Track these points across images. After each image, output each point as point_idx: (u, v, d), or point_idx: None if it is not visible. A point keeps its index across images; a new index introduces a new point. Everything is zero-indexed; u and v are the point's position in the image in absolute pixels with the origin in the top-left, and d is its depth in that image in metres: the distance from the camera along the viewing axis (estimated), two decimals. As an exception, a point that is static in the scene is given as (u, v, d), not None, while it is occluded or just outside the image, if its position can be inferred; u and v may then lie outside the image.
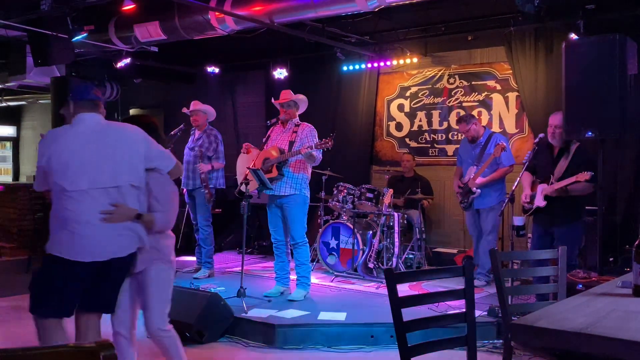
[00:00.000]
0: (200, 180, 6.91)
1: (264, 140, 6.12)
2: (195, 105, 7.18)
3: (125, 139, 3.36)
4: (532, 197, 5.39)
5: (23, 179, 13.42)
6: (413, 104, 8.63)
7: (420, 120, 8.58)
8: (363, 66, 8.70)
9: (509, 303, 3.35)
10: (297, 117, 6.14)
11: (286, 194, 5.91)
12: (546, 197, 5.25)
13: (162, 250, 3.55)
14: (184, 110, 7.23)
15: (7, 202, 9.90)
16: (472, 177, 6.62)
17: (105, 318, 3.50)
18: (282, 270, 6.19)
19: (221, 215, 8.20)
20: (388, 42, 8.36)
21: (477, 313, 5.11)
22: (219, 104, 7.54)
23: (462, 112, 7.96)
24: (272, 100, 6.33)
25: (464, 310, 2.88)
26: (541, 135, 5.50)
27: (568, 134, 5.07)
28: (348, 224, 7.18)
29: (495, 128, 7.81)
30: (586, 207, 5.46)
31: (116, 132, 3.39)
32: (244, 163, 6.14)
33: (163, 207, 3.48)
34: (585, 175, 4.96)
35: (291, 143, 5.93)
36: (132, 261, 3.39)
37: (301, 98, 6.15)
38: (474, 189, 6.59)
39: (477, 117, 7.10)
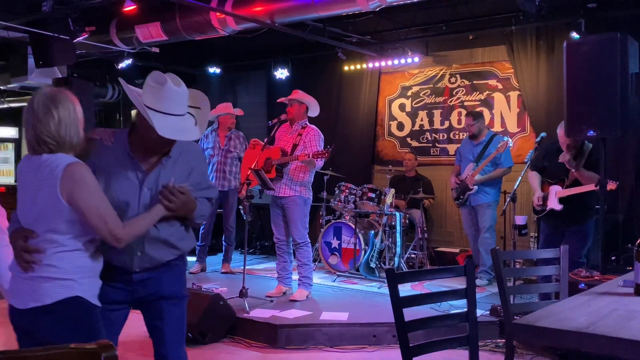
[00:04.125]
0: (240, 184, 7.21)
1: (266, 140, 6.11)
2: (229, 108, 7.35)
3: None
4: (544, 199, 5.39)
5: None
6: (414, 104, 8.63)
7: (421, 120, 8.57)
8: (364, 66, 8.70)
9: (511, 302, 3.34)
10: (306, 119, 6.08)
11: (286, 195, 5.90)
12: (561, 200, 5.27)
13: None
14: (227, 109, 7.37)
15: (9, 204, 9.91)
16: (470, 174, 6.64)
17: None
18: (284, 271, 6.18)
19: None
20: (389, 41, 8.35)
21: (479, 312, 5.13)
22: (220, 104, 7.56)
23: (464, 112, 7.98)
24: (281, 99, 6.28)
25: (466, 309, 2.88)
26: (543, 134, 5.50)
27: (570, 133, 5.07)
28: (350, 223, 7.18)
29: (497, 127, 7.81)
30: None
31: None
32: (250, 158, 6.12)
33: None
34: (591, 186, 5.05)
35: (294, 146, 5.91)
36: None
37: (308, 100, 6.03)
38: (471, 185, 6.61)
39: (484, 118, 7.12)
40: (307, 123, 6.06)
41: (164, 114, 2.57)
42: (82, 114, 2.52)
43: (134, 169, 2.69)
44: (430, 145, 8.48)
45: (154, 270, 2.75)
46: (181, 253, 2.85)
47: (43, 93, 2.47)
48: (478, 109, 7.91)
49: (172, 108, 2.60)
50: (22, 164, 2.53)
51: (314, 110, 6.11)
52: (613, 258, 6.08)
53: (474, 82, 8.11)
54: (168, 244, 2.76)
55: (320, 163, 5.82)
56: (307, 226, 6.06)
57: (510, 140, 6.58)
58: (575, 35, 6.45)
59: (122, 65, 8.71)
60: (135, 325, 5.39)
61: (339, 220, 7.40)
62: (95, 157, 2.63)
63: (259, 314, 5.39)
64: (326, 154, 5.61)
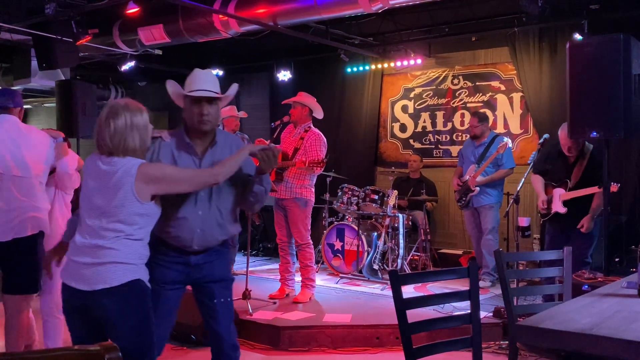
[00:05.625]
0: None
1: (269, 141, 6.10)
2: (233, 110, 7.32)
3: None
4: (549, 202, 5.39)
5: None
6: (417, 105, 8.63)
7: (424, 122, 8.57)
8: (367, 67, 8.71)
9: (514, 304, 3.34)
10: (309, 122, 6.05)
11: (287, 197, 5.90)
12: (565, 203, 5.27)
13: None
14: (236, 114, 7.30)
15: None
16: (472, 175, 6.64)
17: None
18: (287, 272, 6.18)
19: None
20: (392, 43, 8.35)
21: (483, 314, 5.13)
22: (224, 107, 7.58)
23: (467, 113, 7.98)
24: (285, 100, 6.28)
25: (469, 311, 2.88)
26: (546, 135, 5.49)
27: (573, 134, 5.06)
28: (353, 225, 7.17)
29: (500, 129, 7.80)
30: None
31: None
32: (253, 159, 6.11)
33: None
34: (594, 189, 5.05)
35: (296, 149, 5.91)
36: (35, 242, 3.95)
37: (310, 103, 6.00)
38: (473, 187, 6.61)
39: (489, 121, 7.09)
40: (311, 126, 6.05)
41: (196, 90, 3.15)
42: (145, 122, 2.87)
43: (191, 155, 3.19)
44: (433, 146, 8.48)
45: (208, 255, 3.19)
46: (230, 235, 3.28)
47: (109, 104, 2.85)
48: (481, 111, 7.90)
49: (201, 85, 3.16)
50: (89, 161, 2.88)
51: (318, 113, 6.08)
52: (616, 260, 6.07)
53: (477, 83, 8.10)
54: (221, 225, 3.20)
55: (318, 170, 5.80)
56: (309, 228, 6.05)
57: (509, 141, 6.58)
58: (578, 36, 6.45)
59: (125, 67, 8.73)
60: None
61: (342, 222, 7.39)
62: (157, 155, 3.14)
63: (262, 315, 5.40)
64: (322, 164, 5.57)
